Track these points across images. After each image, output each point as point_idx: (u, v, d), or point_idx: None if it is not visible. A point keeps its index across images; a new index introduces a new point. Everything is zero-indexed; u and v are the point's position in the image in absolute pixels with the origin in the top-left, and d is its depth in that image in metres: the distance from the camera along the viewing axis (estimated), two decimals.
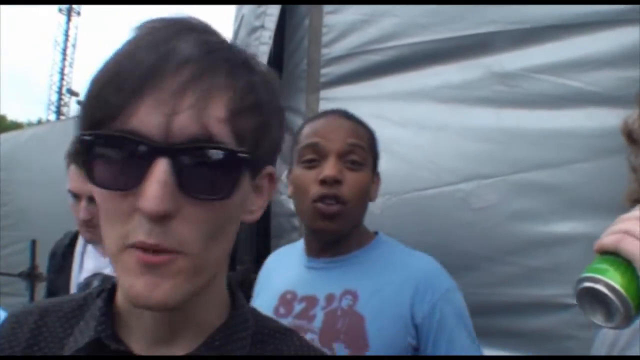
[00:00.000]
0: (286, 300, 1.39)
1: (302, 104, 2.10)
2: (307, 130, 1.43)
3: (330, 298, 1.34)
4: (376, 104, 1.95)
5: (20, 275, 4.36)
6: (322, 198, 1.33)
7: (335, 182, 1.33)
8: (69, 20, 27.69)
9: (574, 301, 1.68)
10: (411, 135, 1.89)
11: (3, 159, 4.45)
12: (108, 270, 1.80)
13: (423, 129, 1.88)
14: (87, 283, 1.81)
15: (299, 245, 1.53)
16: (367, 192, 1.41)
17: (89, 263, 1.84)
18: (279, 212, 2.10)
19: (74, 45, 27.08)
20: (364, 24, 2.03)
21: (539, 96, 1.77)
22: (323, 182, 1.33)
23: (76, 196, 1.79)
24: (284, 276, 1.46)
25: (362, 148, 1.39)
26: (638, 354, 0.88)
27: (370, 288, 1.33)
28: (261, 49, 2.14)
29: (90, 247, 1.87)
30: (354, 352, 1.26)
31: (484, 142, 1.79)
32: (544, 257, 1.74)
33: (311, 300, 1.36)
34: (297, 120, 2.14)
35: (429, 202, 1.83)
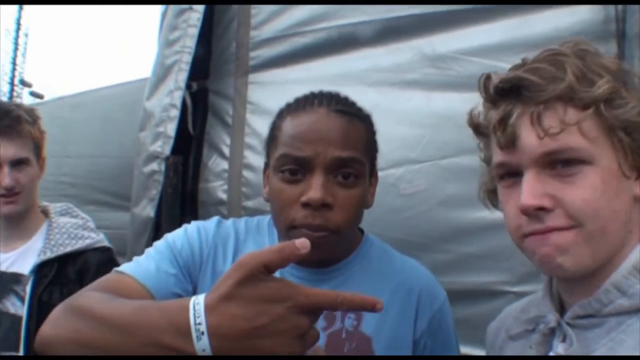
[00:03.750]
0: None
1: (231, 88, 2.02)
2: (287, 127, 1.11)
3: (330, 317, 1.13)
4: (305, 88, 1.85)
5: None
6: (304, 227, 1.05)
7: (323, 206, 1.04)
8: (21, 8, 26.97)
9: (506, 288, 1.69)
10: None
11: None
12: (4, 267, 1.70)
13: None
14: None
15: (263, 236, 1.22)
16: (362, 206, 1.14)
17: None
18: (207, 201, 2.03)
19: (26, 34, 26.34)
20: (293, 6, 1.96)
21: (469, 78, 1.72)
22: (307, 205, 1.04)
23: None
24: None
25: (359, 158, 1.09)
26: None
27: None
28: (189, 32, 2.05)
29: None
30: None
31: (414, 126, 1.75)
32: (477, 243, 1.70)
33: None
34: (224, 106, 2.07)
35: None
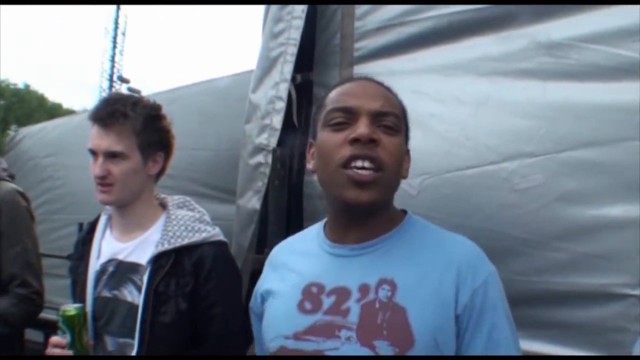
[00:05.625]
0: (312, 294, 1.23)
1: (336, 79, 1.98)
2: (334, 94, 1.27)
3: (364, 289, 1.18)
4: (412, 78, 1.84)
5: (68, 257, 4.39)
6: (353, 159, 1.15)
7: (371, 141, 1.15)
8: (118, 8, 28.28)
9: (627, 291, 1.58)
10: (449, 111, 1.78)
11: (55, 144, 4.50)
12: (122, 256, 1.75)
13: (462, 104, 1.76)
14: (102, 269, 1.76)
15: (312, 232, 1.38)
16: (402, 163, 1.24)
17: (105, 249, 1.79)
18: (312, 193, 2.01)
19: (123, 34, 27.58)
20: None
21: (589, 67, 1.63)
22: (356, 140, 1.15)
23: (94, 154, 1.73)
24: (304, 267, 1.30)
25: (396, 114, 1.23)
26: None
27: (409, 276, 1.17)
28: (294, 23, 2.05)
29: (108, 234, 1.82)
30: (399, 350, 1.11)
31: (529, 117, 1.67)
32: (594, 242, 1.60)
33: (342, 293, 1.19)
34: None
35: (469, 182, 1.71)
